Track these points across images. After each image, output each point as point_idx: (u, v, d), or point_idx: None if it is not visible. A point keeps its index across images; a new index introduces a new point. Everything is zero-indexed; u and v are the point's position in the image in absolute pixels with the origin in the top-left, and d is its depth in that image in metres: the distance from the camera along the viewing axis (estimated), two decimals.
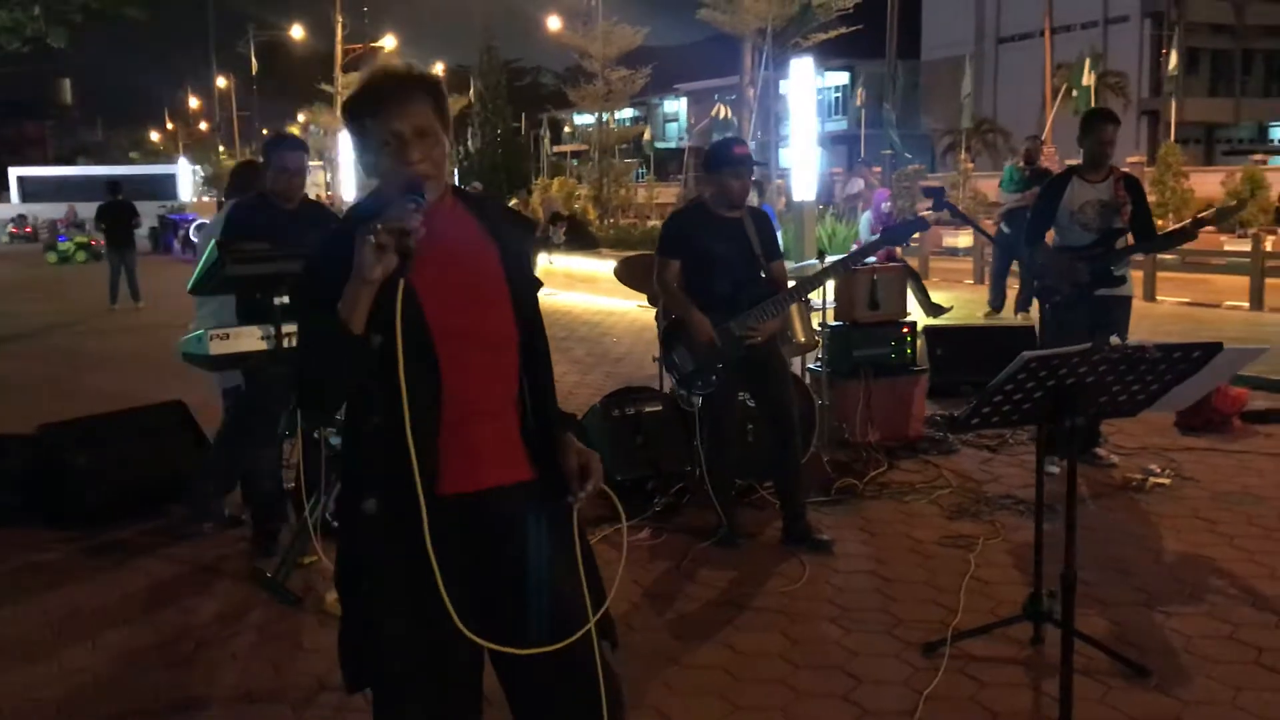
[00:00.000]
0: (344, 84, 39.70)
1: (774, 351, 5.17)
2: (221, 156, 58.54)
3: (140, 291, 16.75)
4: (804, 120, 11.16)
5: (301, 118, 52.32)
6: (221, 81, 61.54)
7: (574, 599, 2.31)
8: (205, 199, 45.41)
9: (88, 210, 16.60)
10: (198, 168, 53.25)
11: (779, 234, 5.74)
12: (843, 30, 22.18)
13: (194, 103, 70.30)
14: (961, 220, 12.10)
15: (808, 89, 11.30)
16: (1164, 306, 13.11)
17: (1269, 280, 13.14)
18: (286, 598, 4.60)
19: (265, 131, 73.41)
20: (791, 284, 5.25)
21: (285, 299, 4.43)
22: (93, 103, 78.85)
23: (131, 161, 64.02)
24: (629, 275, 7.14)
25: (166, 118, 76.33)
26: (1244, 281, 13.53)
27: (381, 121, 2.21)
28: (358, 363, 2.15)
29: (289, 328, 4.47)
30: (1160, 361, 2.74)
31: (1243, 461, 6.41)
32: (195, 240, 29.25)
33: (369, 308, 2.10)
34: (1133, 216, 6.02)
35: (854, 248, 10.45)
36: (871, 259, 6.62)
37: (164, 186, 38.44)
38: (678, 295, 5.04)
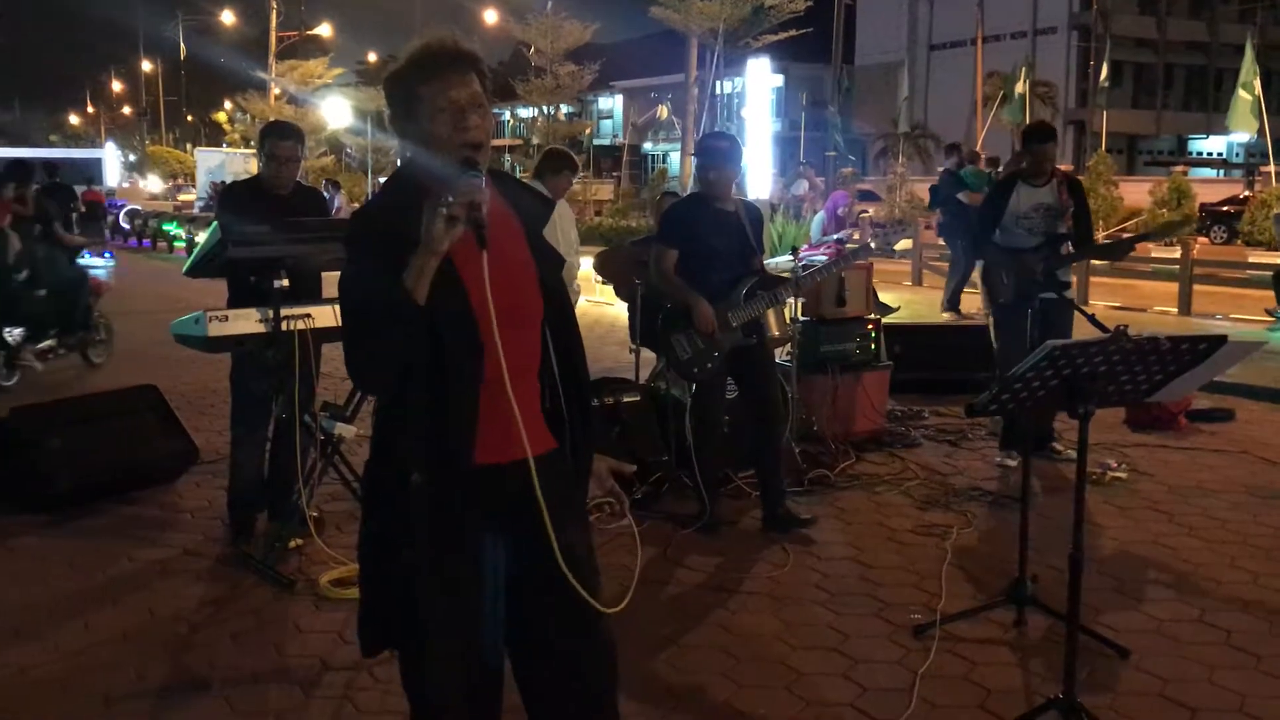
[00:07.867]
0: (278, 71, 39.10)
1: (764, 342, 5.29)
2: (148, 142, 57.29)
3: None
4: (760, 120, 11.29)
5: (229, 105, 51.40)
6: (148, 65, 60.32)
7: (591, 568, 2.37)
8: (126, 185, 44.37)
9: None
10: (120, 153, 52.00)
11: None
12: (793, 33, 22.47)
13: (117, 86, 68.77)
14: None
15: (764, 89, 11.45)
16: (1095, 310, 13.46)
17: (1196, 286, 13.61)
18: (279, 581, 4.60)
19: (190, 118, 72.29)
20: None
21: (284, 282, 4.45)
22: (7, 81, 76.81)
23: (51, 144, 62.27)
24: (604, 268, 7.26)
25: (88, 100, 74.59)
26: (1170, 287, 13.96)
27: (438, 89, 2.22)
28: (414, 337, 2.14)
29: (287, 310, 4.48)
30: (1169, 352, 2.90)
31: (1192, 457, 6.68)
32: (125, 226, 28.70)
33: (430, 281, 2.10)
34: (1074, 219, 6.21)
35: (804, 248, 10.63)
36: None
37: (91, 171, 37.47)
38: (680, 284, 5.11)
